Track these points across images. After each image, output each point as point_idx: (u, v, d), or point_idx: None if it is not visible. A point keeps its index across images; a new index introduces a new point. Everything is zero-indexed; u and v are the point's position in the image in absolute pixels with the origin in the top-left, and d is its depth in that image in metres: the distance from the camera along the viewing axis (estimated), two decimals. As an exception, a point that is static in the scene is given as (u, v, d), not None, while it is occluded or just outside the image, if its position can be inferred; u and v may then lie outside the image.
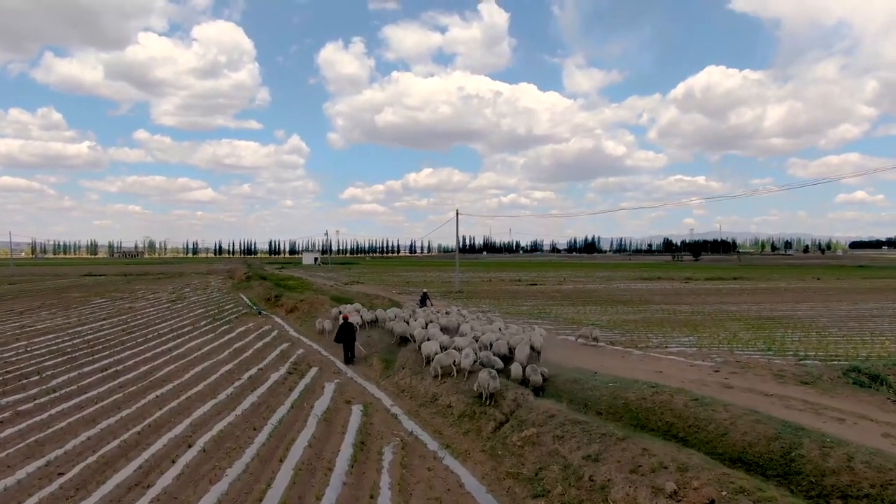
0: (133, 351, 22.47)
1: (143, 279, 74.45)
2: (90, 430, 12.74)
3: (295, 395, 15.99)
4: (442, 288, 51.44)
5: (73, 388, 16.58)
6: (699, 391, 12.61)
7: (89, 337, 25.80)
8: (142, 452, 11.32)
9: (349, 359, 20.95)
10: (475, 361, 15.34)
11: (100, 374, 18.30)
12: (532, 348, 17.18)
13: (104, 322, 31.10)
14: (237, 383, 17.08)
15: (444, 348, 16.97)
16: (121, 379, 17.75)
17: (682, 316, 30.37)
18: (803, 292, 46.81)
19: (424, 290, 34.77)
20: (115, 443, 11.87)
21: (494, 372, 13.52)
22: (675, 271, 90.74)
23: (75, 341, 24.55)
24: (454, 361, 15.61)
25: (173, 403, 14.83)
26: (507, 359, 16.26)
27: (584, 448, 9.74)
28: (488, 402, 12.98)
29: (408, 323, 22.06)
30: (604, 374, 15.10)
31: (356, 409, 14.50)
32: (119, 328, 28.71)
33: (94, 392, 16.07)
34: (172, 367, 19.52)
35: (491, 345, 17.62)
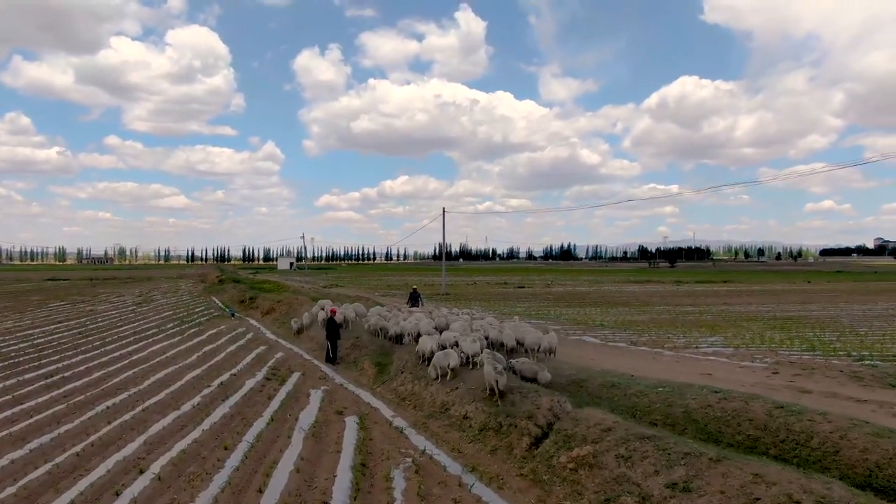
0: (87, 355, 19.63)
1: (109, 283, 70.53)
2: (17, 450, 10.05)
3: (275, 404, 13.39)
4: (427, 290, 48.87)
5: (7, 398, 13.81)
6: (778, 397, 10.34)
7: (39, 341, 22.85)
8: (77, 481, 8.67)
9: (332, 358, 18.63)
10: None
11: (43, 382, 15.53)
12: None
13: (59, 325, 28.05)
14: (205, 391, 14.45)
15: (442, 346, 14.79)
16: (67, 387, 14.99)
17: (692, 317, 28.38)
18: (803, 294, 45.30)
19: (414, 287, 32.23)
20: (45, 468, 9.21)
21: (500, 367, 11.67)
22: (661, 276, 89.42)
23: (22, 345, 21.62)
24: (449, 364, 13.28)
25: (126, 416, 12.14)
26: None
27: (665, 473, 7.38)
28: (497, 401, 11.08)
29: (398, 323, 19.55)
30: (641, 377, 12.81)
31: (351, 422, 11.96)
32: (75, 331, 25.74)
33: (32, 403, 13.32)
34: (130, 373, 16.78)
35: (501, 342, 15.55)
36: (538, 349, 15.51)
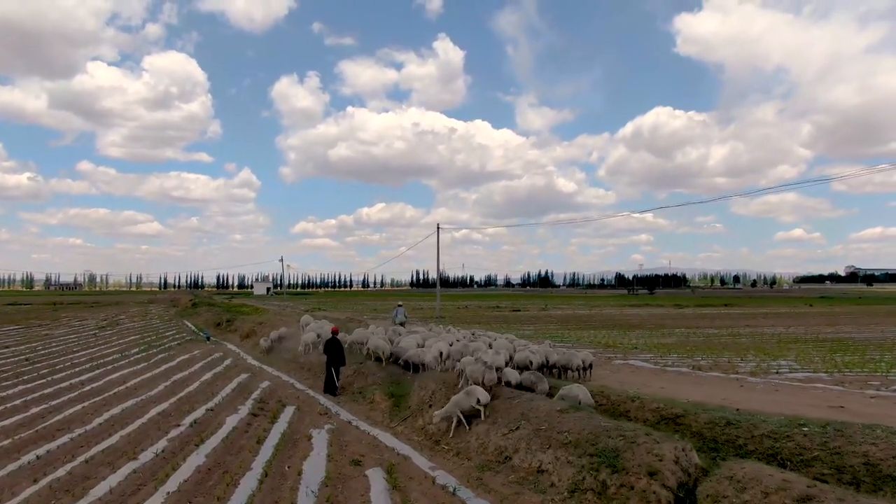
0: (28, 386, 16.02)
1: (73, 307, 65.76)
2: None
3: (267, 451, 10.02)
4: (419, 315, 45.57)
5: None
6: None
7: (-26, 369, 19.09)
8: None
9: (332, 388, 15.47)
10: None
11: (-39, 421, 11.96)
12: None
13: (4, 350, 24.19)
14: (173, 433, 11.01)
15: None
16: (-9, 428, 11.46)
17: (724, 339, 25.56)
18: (821, 316, 42.96)
19: (399, 303, 28.94)
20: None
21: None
22: (652, 301, 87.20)
23: (-49, 374, 17.86)
24: (479, 401, 10.10)
25: (60, 471, 8.69)
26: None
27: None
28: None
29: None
30: (755, 411, 9.77)
31: (376, 477, 8.64)
32: (21, 357, 21.98)
33: (-64, 451, 9.80)
34: (78, 407, 13.25)
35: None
36: (581, 367, 13.91)
